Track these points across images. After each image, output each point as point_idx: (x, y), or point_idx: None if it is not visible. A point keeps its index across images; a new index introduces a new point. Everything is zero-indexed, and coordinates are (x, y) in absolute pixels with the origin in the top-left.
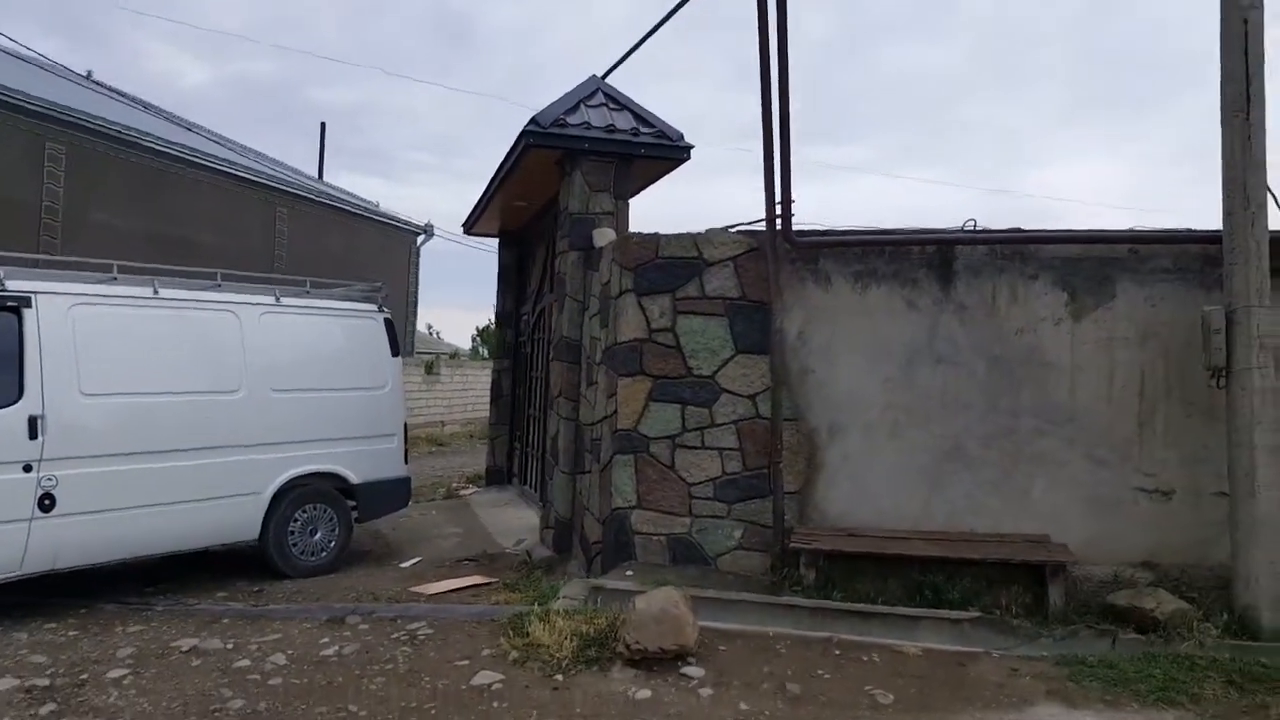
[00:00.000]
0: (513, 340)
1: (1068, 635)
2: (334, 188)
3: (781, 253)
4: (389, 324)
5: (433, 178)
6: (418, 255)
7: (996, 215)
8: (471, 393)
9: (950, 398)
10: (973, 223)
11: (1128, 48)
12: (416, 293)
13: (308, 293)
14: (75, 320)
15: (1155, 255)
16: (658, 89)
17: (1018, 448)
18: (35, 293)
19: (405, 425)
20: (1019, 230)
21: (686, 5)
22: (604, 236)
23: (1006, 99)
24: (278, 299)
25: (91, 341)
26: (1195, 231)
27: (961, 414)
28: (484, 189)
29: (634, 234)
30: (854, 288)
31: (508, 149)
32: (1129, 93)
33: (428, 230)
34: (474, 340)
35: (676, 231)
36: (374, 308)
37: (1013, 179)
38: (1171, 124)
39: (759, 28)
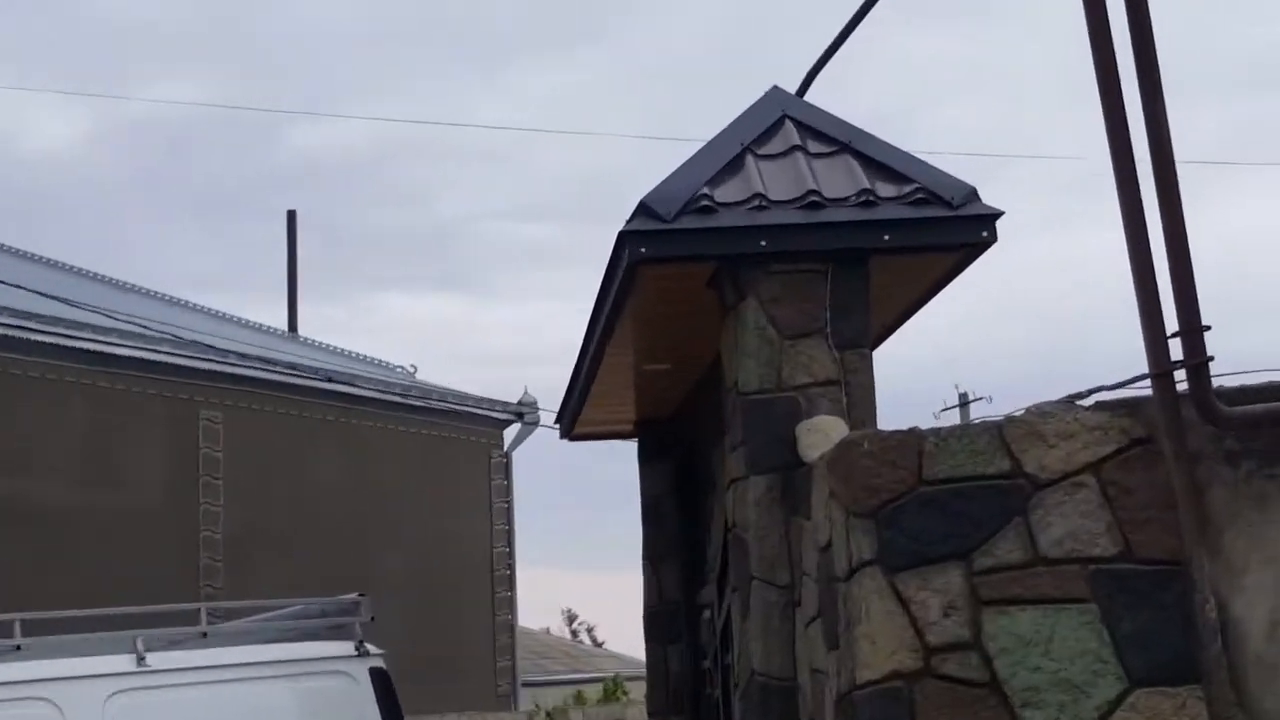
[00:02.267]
0: (688, 665)
1: None
2: (318, 350)
3: (1201, 438)
4: (380, 679)
5: (559, 283)
6: (507, 470)
7: None
8: None
9: None
10: None
11: None
12: (511, 554)
13: (204, 636)
14: None
15: None
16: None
17: None
18: None
19: None
20: None
21: None
22: (816, 438)
23: None
24: (140, 657)
25: None
26: None
27: None
28: (579, 356)
29: (866, 434)
30: None
31: (606, 261)
32: None
33: (523, 414)
34: None
35: (958, 421)
36: (350, 647)
37: None
38: None
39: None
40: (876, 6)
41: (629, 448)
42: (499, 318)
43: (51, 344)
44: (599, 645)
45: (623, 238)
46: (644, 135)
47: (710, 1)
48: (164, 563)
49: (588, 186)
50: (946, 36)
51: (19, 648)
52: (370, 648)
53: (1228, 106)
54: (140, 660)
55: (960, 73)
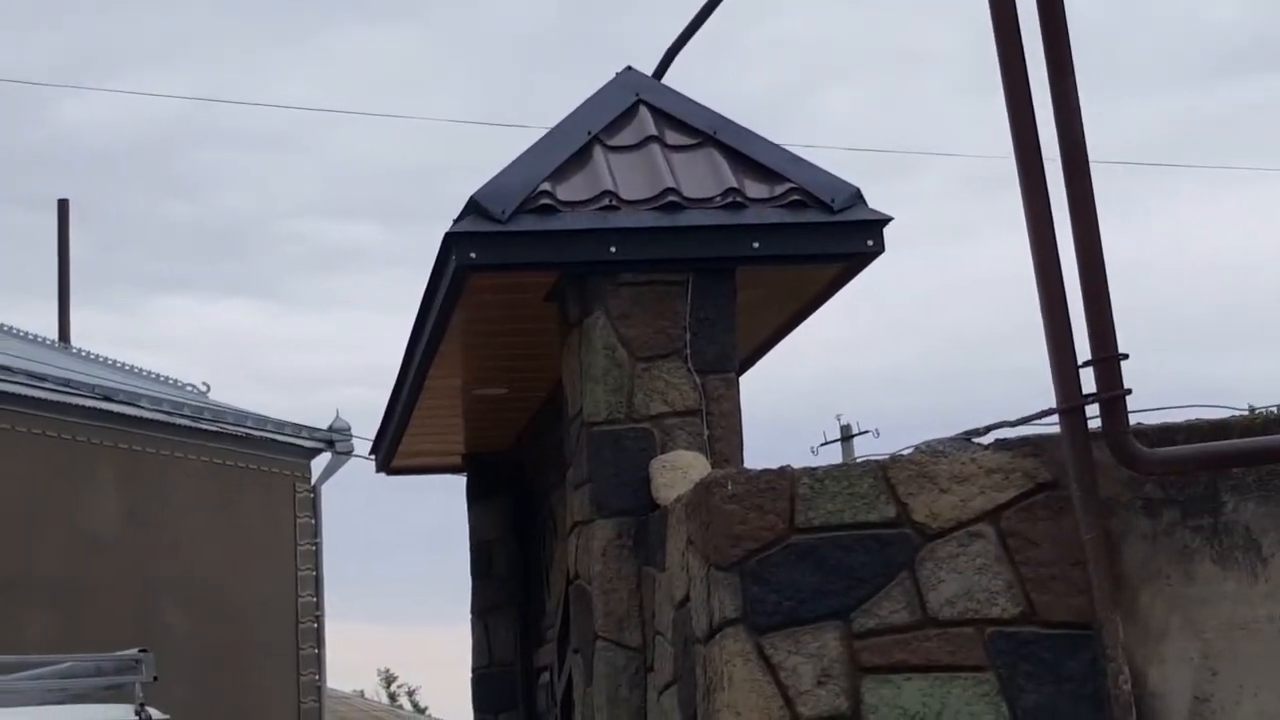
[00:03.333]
0: None
1: None
2: (96, 368)
3: (1116, 482)
4: None
5: (368, 288)
6: (314, 509)
7: None
8: None
9: None
10: None
11: None
12: (320, 603)
13: None
14: None
15: None
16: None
17: None
18: None
19: None
20: None
21: None
22: (673, 476)
23: None
24: None
25: None
26: None
27: None
28: (397, 377)
29: (730, 474)
30: None
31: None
32: None
33: (333, 443)
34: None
35: (839, 459)
36: (129, 711)
37: None
38: None
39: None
40: None
41: (459, 482)
42: (306, 331)
43: None
44: (422, 711)
45: (449, 240)
46: (475, 121)
47: None
48: None
49: (409, 180)
50: (837, 11)
51: None
52: (153, 712)
53: (1162, 99)
54: None
55: (851, 55)
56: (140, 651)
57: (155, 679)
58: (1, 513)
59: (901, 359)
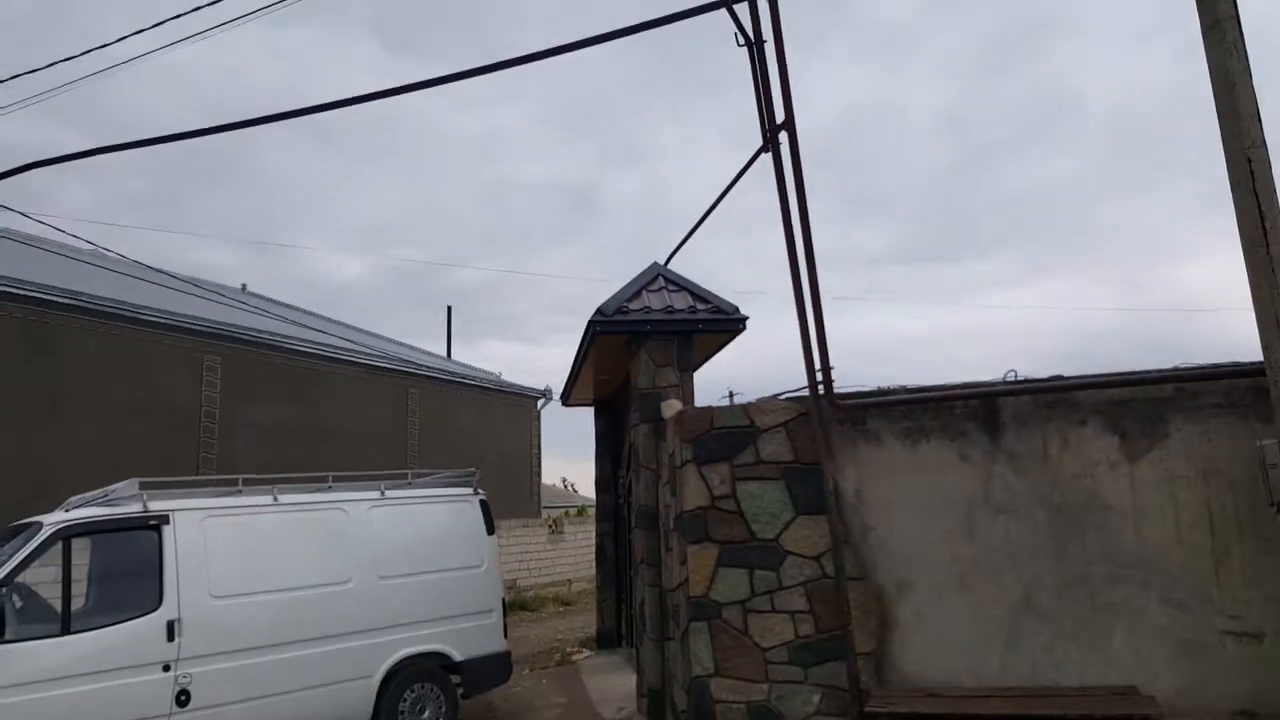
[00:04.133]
0: (612, 503)
1: None
2: (460, 364)
3: (828, 416)
4: (484, 505)
5: (565, 338)
6: (538, 419)
7: (1142, 317)
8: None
9: (1015, 548)
10: (1013, 373)
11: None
12: (539, 454)
13: (409, 484)
14: (206, 532)
15: (1204, 392)
16: (745, 237)
17: (1091, 596)
18: (172, 511)
19: (504, 600)
20: (1059, 378)
21: (729, 191)
22: (670, 409)
23: (1139, 199)
24: (382, 493)
25: (220, 549)
26: (1240, 365)
27: (1029, 564)
28: (570, 368)
29: (690, 408)
30: (904, 444)
31: (582, 331)
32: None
33: (546, 394)
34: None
35: (737, 401)
36: (469, 491)
37: (1157, 279)
38: None
39: (780, 204)
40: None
41: (590, 411)
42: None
43: None
44: (576, 492)
45: (591, 323)
46: (601, 278)
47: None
48: (390, 462)
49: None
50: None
51: (330, 485)
52: (480, 491)
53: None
54: (382, 493)
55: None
56: (471, 470)
57: (479, 479)
58: (424, 431)
59: (757, 373)
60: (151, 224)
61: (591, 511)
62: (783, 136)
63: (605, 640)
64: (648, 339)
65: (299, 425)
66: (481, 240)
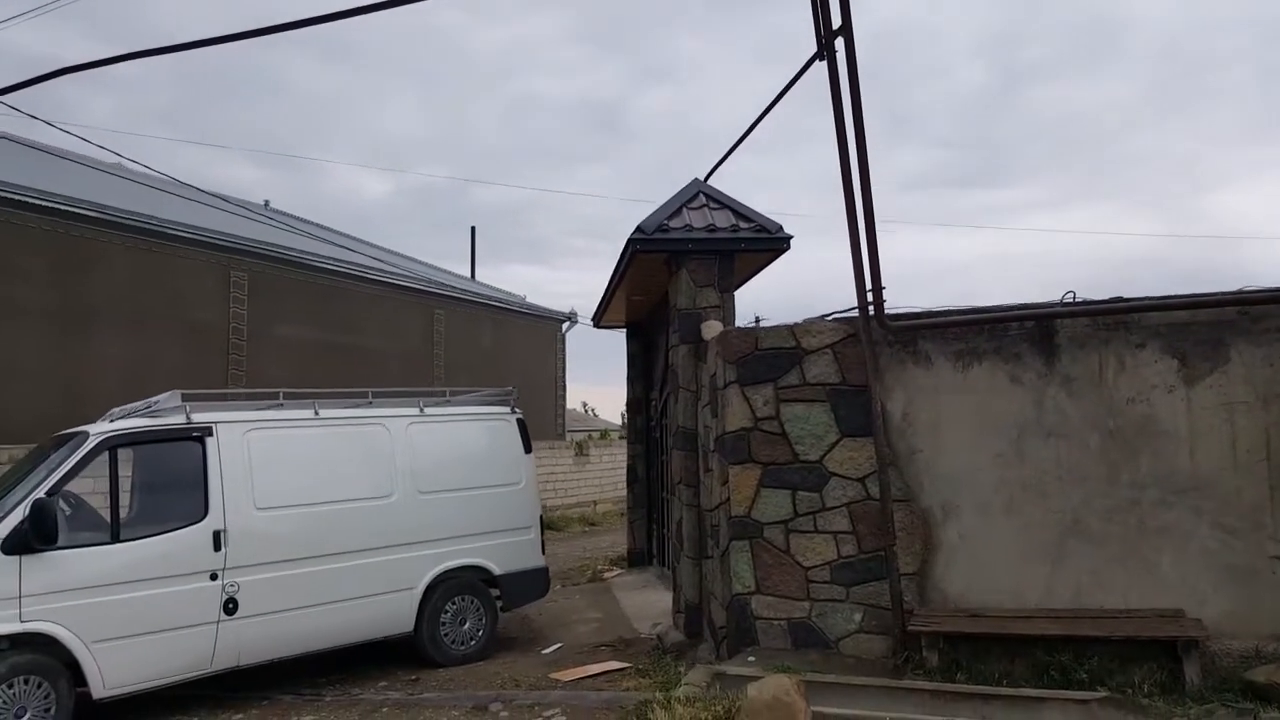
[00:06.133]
0: (644, 426)
1: (1204, 715)
2: (485, 286)
3: (877, 337)
4: (521, 424)
5: (589, 261)
6: (563, 341)
7: (1177, 246)
8: (622, 470)
9: (1065, 471)
10: (1071, 294)
11: None
12: (564, 377)
13: (448, 401)
14: (249, 444)
15: (1269, 315)
16: (804, 150)
17: (1141, 520)
18: (215, 423)
19: (541, 518)
20: (1119, 299)
21: (779, 100)
22: (710, 330)
23: (1182, 127)
24: (421, 410)
25: (263, 461)
26: None
27: (1078, 487)
28: (605, 289)
29: (734, 328)
30: (955, 366)
31: (621, 249)
32: None
33: (571, 318)
34: (622, 417)
35: (775, 323)
36: (507, 409)
37: (1195, 207)
38: None
39: (835, 116)
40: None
41: (609, 336)
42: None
43: None
44: (596, 416)
45: (629, 242)
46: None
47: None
48: (417, 383)
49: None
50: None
51: (370, 401)
52: (517, 410)
53: None
54: (421, 410)
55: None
56: (509, 389)
57: (516, 397)
58: (450, 352)
59: (795, 294)
60: (174, 137)
61: (614, 435)
62: (838, 44)
63: (636, 559)
64: (689, 258)
65: (326, 343)
66: (503, 160)
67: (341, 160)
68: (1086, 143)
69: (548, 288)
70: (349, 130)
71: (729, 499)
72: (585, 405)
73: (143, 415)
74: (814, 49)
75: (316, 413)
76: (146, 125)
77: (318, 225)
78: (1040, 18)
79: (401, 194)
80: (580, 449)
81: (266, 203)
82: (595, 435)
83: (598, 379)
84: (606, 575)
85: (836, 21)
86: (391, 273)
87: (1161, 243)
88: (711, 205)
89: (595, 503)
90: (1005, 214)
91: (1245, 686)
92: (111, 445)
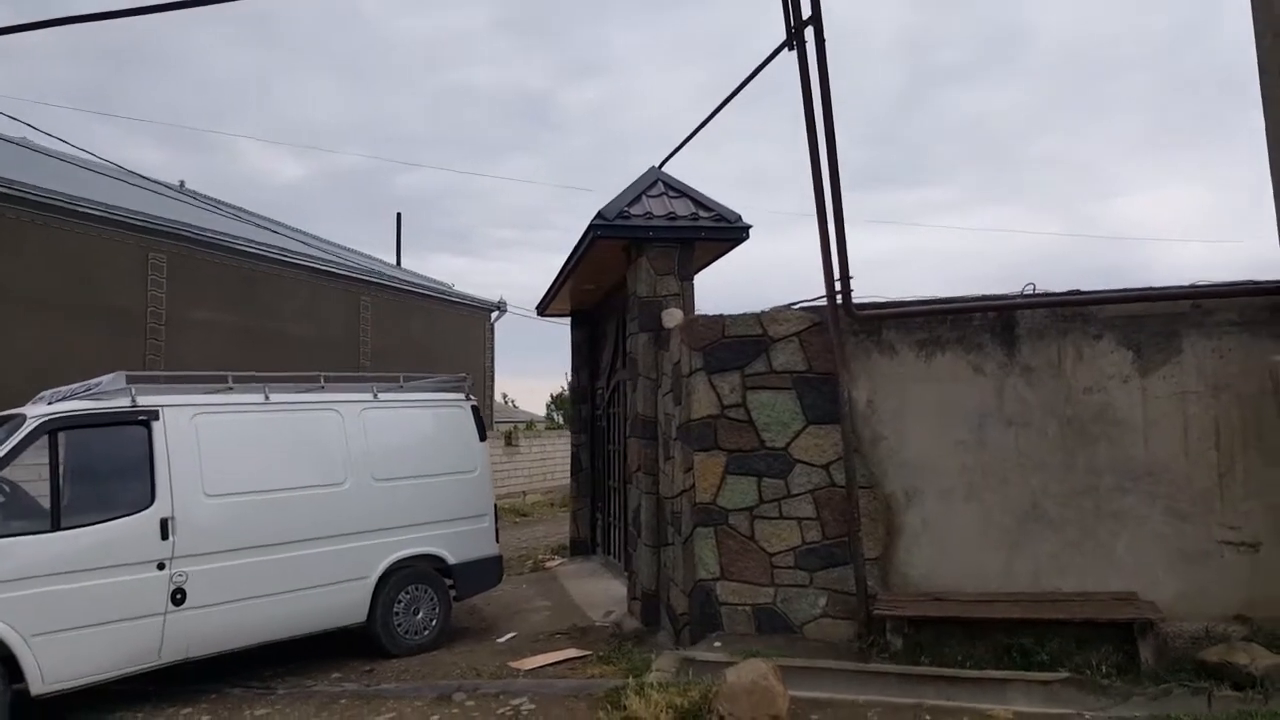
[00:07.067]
0: (589, 415)
1: (1160, 694)
2: (411, 273)
3: (844, 325)
4: (476, 411)
5: (514, 253)
6: (493, 331)
7: (1079, 246)
8: (550, 462)
9: (1025, 458)
10: (1032, 286)
11: (1213, 70)
12: (493, 367)
13: (401, 387)
14: (198, 429)
15: (1219, 309)
16: (727, 150)
17: (1097, 505)
18: (162, 406)
19: (495, 506)
20: (1077, 292)
21: (743, 88)
22: (672, 318)
23: (1082, 133)
24: (375, 395)
25: (212, 447)
26: (1258, 283)
27: (1037, 474)
28: (555, 277)
29: (700, 316)
30: (919, 355)
31: (577, 240)
32: (1213, 116)
33: (500, 307)
34: (549, 408)
35: (741, 311)
36: (461, 396)
37: (1095, 211)
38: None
39: (805, 111)
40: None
41: (529, 325)
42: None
43: None
44: (516, 407)
45: (590, 228)
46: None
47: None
48: (343, 370)
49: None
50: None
51: (323, 385)
52: (471, 396)
53: None
54: (375, 396)
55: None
56: (463, 375)
57: (470, 384)
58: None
59: (766, 285)
60: (79, 113)
61: (540, 426)
62: (808, 33)
63: (579, 548)
64: (649, 245)
65: (248, 329)
66: (427, 148)
67: (256, 141)
68: (997, 145)
69: (473, 278)
70: (264, 112)
71: (693, 486)
72: (505, 396)
73: (83, 398)
74: (753, 45)
75: (267, 397)
76: (50, 100)
77: (239, 209)
78: (951, 22)
79: (319, 178)
80: (509, 439)
81: (181, 184)
82: (523, 426)
83: (516, 370)
84: (549, 564)
85: (806, 11)
86: (316, 257)
87: (1064, 241)
88: (670, 193)
89: (525, 493)
90: (918, 212)
91: (1198, 666)
92: (51, 429)
